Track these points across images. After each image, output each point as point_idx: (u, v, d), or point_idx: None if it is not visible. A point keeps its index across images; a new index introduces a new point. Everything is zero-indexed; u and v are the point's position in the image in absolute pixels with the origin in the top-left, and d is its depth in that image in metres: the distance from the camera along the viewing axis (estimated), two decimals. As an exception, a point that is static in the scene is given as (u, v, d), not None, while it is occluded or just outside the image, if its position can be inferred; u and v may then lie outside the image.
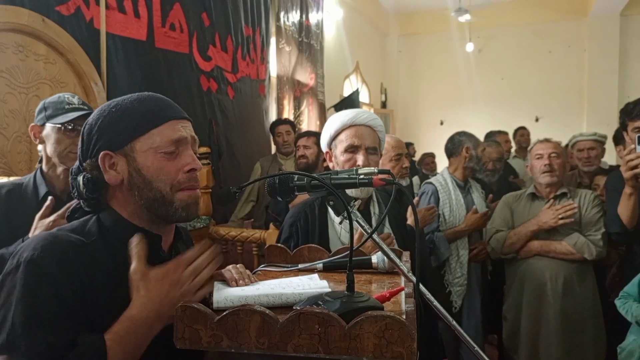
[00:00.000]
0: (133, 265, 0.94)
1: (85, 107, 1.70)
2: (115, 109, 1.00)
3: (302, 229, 1.65)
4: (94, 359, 0.85)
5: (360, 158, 1.64)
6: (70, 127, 1.63)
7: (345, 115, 1.70)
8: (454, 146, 2.98)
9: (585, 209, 2.52)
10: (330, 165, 1.75)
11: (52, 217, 1.48)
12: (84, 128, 1.02)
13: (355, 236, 1.49)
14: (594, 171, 3.28)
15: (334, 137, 1.71)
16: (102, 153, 0.98)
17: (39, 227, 1.51)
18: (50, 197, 1.55)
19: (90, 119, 1.02)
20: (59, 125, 1.63)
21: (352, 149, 1.66)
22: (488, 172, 3.41)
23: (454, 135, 3.04)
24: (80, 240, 0.94)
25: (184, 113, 1.05)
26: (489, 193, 3.13)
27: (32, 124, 1.70)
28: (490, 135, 5.02)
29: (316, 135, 3.61)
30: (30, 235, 1.52)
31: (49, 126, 1.65)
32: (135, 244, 0.95)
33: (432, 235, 2.76)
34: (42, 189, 1.65)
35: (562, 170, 2.61)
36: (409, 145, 7.80)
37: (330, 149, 1.74)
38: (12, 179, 1.88)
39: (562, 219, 2.45)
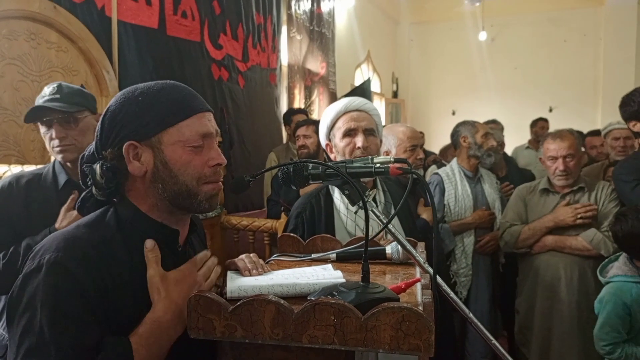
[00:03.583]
0: (150, 271, 0.94)
1: (57, 96, 1.66)
2: (141, 97, 0.96)
3: (308, 219, 1.65)
4: None
5: (359, 140, 1.64)
6: (41, 124, 1.66)
7: (338, 103, 1.72)
8: (454, 138, 3.00)
9: (602, 202, 2.45)
10: (332, 156, 1.74)
11: None
12: (105, 115, 0.98)
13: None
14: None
15: (331, 127, 1.72)
16: (127, 143, 0.95)
17: (66, 218, 1.54)
18: (75, 191, 1.58)
19: (113, 106, 0.98)
20: (37, 124, 1.66)
21: (349, 133, 1.66)
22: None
23: (454, 128, 3.04)
24: (100, 237, 0.92)
25: (207, 105, 1.03)
26: None
27: None
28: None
29: (315, 123, 3.49)
30: (57, 226, 1.55)
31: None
32: (150, 249, 0.95)
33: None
34: (62, 178, 1.67)
35: (578, 168, 2.52)
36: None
37: (330, 140, 1.74)
38: (28, 168, 1.89)
39: (580, 218, 2.39)
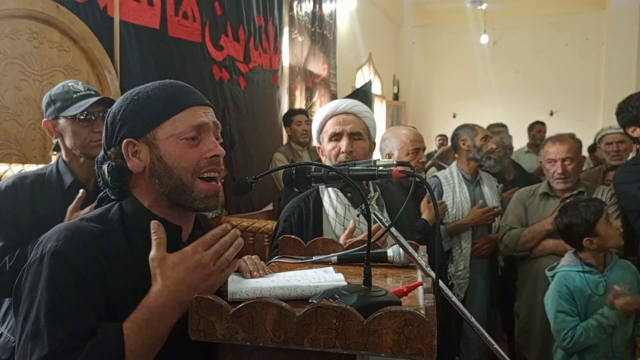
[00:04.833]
0: (152, 252, 0.93)
1: (92, 92, 1.68)
2: (137, 96, 1.00)
3: (296, 223, 1.64)
4: (111, 348, 0.84)
5: (343, 144, 1.62)
6: (83, 117, 1.62)
7: (327, 107, 1.71)
8: (453, 141, 3.03)
9: None
10: (323, 159, 1.73)
11: (86, 210, 1.49)
12: (108, 117, 1.02)
13: (346, 232, 1.46)
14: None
15: (320, 131, 1.72)
16: (125, 141, 0.98)
17: (73, 218, 1.52)
18: (81, 190, 1.56)
19: (114, 107, 1.02)
20: (72, 117, 1.62)
21: (335, 137, 1.65)
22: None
23: (454, 131, 3.07)
24: (101, 229, 0.94)
25: (205, 99, 1.04)
26: None
27: (44, 119, 1.68)
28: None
29: None
30: None
31: (62, 119, 1.64)
32: (154, 230, 0.95)
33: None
34: (68, 178, 1.65)
35: (577, 172, 2.53)
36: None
37: (320, 143, 1.74)
38: (29, 167, 1.88)
39: None
